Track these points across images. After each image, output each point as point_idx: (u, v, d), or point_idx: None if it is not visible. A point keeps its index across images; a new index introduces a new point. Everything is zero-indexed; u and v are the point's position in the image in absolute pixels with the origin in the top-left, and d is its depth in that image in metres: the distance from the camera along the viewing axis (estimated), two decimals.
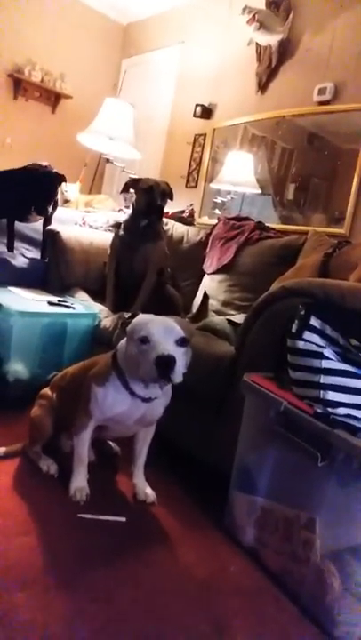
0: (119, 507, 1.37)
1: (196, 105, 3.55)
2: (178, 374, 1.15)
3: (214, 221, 2.81)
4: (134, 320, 1.25)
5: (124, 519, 1.30)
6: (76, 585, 1.04)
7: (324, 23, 2.86)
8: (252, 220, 2.59)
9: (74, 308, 2.11)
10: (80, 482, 1.35)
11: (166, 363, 1.13)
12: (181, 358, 1.17)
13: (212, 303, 2.40)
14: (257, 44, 3.16)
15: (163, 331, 1.18)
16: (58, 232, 2.54)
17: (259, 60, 3.20)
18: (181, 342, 1.19)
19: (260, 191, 3.11)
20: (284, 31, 2.96)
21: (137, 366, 1.19)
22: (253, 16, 2.95)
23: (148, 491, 1.42)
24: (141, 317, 1.24)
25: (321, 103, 2.82)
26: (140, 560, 1.16)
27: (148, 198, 2.19)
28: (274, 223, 2.91)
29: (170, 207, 2.60)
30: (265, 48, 3.12)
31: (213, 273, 2.48)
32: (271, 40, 3.01)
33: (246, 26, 3.01)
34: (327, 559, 1.09)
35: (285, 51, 3.04)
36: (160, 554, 1.21)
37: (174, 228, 2.83)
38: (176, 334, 1.19)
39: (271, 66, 3.10)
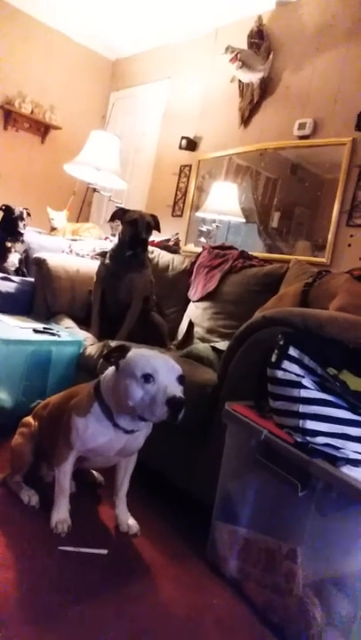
0: (101, 538, 1.35)
1: (182, 137, 3.66)
2: (182, 413, 1.15)
3: (200, 249, 2.87)
4: (131, 354, 1.23)
5: (105, 552, 1.28)
6: (55, 622, 1.02)
7: (302, 63, 3.00)
8: (236, 248, 2.65)
9: (59, 336, 2.11)
10: (62, 513, 1.33)
11: (178, 405, 1.13)
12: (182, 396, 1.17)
13: (197, 330, 2.43)
14: (240, 80, 3.30)
15: (166, 369, 1.18)
16: (44, 259, 2.56)
17: (241, 95, 3.33)
18: (180, 380, 1.19)
19: (244, 220, 3.18)
20: (265, 70, 3.09)
21: (140, 404, 1.17)
22: (236, 55, 3.09)
23: (131, 522, 1.40)
24: (139, 352, 1.23)
25: (301, 137, 2.93)
26: (121, 594, 1.15)
27: (132, 231, 2.24)
28: (259, 251, 2.98)
29: (156, 236, 2.65)
30: (247, 85, 3.26)
31: (198, 300, 2.51)
32: (253, 78, 3.15)
33: (229, 64, 3.14)
34: (310, 590, 1.09)
35: (267, 88, 3.17)
36: (142, 587, 1.19)
37: (160, 256, 2.88)
38: (177, 372, 1.19)
39: (253, 101, 3.23)
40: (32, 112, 4.15)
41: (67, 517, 1.33)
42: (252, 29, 3.20)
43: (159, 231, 2.36)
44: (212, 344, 2.10)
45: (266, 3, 3.18)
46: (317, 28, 2.94)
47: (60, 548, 1.25)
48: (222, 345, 2.01)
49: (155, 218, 2.31)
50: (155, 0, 3.52)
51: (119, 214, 2.32)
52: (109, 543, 1.33)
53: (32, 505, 1.41)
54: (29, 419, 1.53)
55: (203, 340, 2.34)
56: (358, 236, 2.61)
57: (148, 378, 1.16)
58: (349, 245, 2.63)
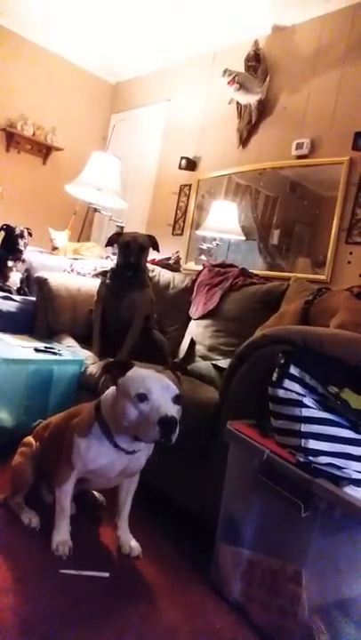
0: (103, 560, 1.34)
1: (182, 158, 3.72)
2: (176, 434, 1.15)
3: (201, 267, 2.88)
4: (129, 374, 1.23)
5: (107, 574, 1.26)
6: None
7: (299, 85, 3.07)
8: (237, 266, 2.66)
9: (60, 355, 2.12)
10: (63, 535, 1.32)
11: (170, 424, 1.12)
12: (177, 416, 1.16)
13: (199, 348, 2.43)
14: (237, 102, 3.36)
15: (161, 389, 1.17)
16: (46, 279, 2.58)
17: (239, 116, 3.40)
18: (176, 400, 1.19)
19: (244, 238, 3.21)
20: (262, 92, 3.16)
21: (135, 424, 1.17)
22: (233, 78, 3.16)
23: (133, 544, 1.38)
24: (136, 372, 1.23)
25: (299, 157, 2.98)
26: (123, 619, 1.12)
27: (125, 254, 2.26)
28: (259, 269, 3.00)
29: (157, 254, 2.68)
30: (245, 106, 3.33)
31: (199, 318, 2.52)
32: (250, 99, 3.21)
33: (227, 86, 3.21)
34: (315, 614, 1.07)
35: (264, 109, 3.23)
36: (144, 611, 1.17)
37: (160, 274, 2.89)
38: (172, 392, 1.19)
39: (251, 122, 3.29)
40: (34, 134, 4.23)
41: (67, 539, 1.32)
42: (248, 53, 3.28)
43: (158, 251, 2.38)
44: (213, 362, 2.10)
45: (262, 27, 3.27)
46: (313, 51, 3.02)
47: (61, 571, 1.23)
48: (224, 363, 2.01)
49: (151, 238, 2.32)
50: (154, 25, 3.62)
51: (114, 239, 2.34)
52: (111, 565, 1.32)
53: (32, 527, 1.39)
54: (30, 439, 1.53)
55: (204, 357, 2.33)
56: (357, 253, 2.63)
57: (141, 397, 1.16)
58: (349, 262, 2.65)
